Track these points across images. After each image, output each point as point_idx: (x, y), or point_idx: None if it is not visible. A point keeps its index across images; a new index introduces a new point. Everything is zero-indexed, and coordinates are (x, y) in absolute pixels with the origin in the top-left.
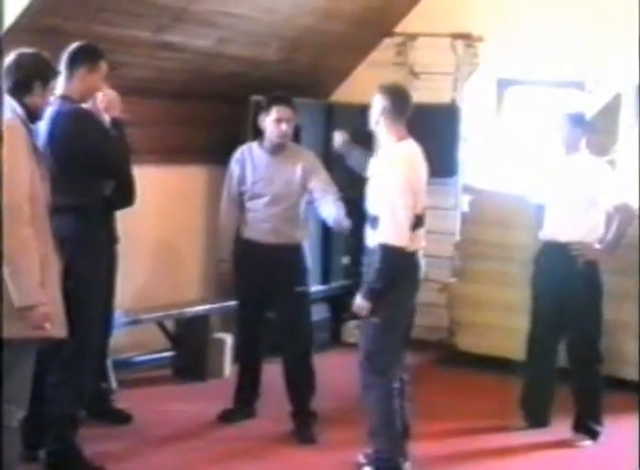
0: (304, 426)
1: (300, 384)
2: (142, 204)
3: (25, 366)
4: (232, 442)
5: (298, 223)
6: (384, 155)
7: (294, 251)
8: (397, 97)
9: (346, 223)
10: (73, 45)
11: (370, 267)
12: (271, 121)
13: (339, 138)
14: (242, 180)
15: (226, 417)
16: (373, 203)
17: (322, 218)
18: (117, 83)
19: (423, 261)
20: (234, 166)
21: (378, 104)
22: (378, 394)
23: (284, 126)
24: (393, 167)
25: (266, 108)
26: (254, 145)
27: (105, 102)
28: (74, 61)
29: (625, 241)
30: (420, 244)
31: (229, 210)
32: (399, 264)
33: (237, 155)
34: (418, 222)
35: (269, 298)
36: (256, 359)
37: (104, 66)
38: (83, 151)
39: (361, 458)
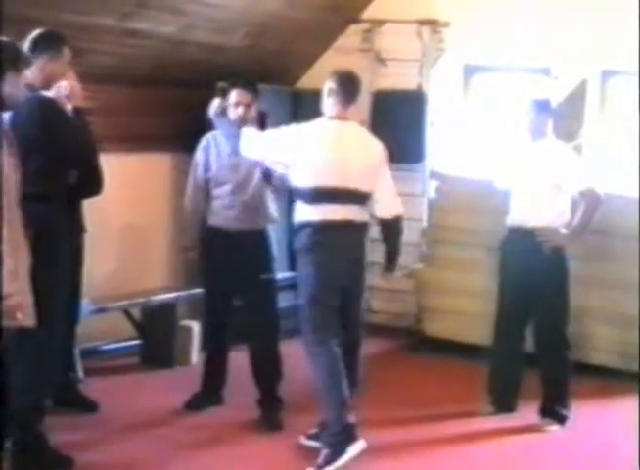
0: (271, 412)
1: (267, 371)
2: (108, 192)
3: None
4: (199, 429)
5: (264, 210)
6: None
7: (259, 237)
8: (344, 81)
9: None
10: (35, 32)
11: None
12: (230, 106)
13: (216, 105)
14: (207, 167)
15: (193, 405)
16: None
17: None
18: (83, 71)
19: (355, 238)
20: (199, 154)
21: (326, 87)
22: (316, 368)
23: (241, 110)
24: (291, 128)
25: (227, 93)
26: (219, 132)
27: (67, 90)
28: (36, 48)
29: (592, 226)
30: (332, 216)
31: (195, 197)
32: (303, 236)
33: (202, 142)
34: (323, 197)
35: (235, 285)
36: (223, 347)
37: (67, 52)
38: (45, 139)
39: (304, 440)
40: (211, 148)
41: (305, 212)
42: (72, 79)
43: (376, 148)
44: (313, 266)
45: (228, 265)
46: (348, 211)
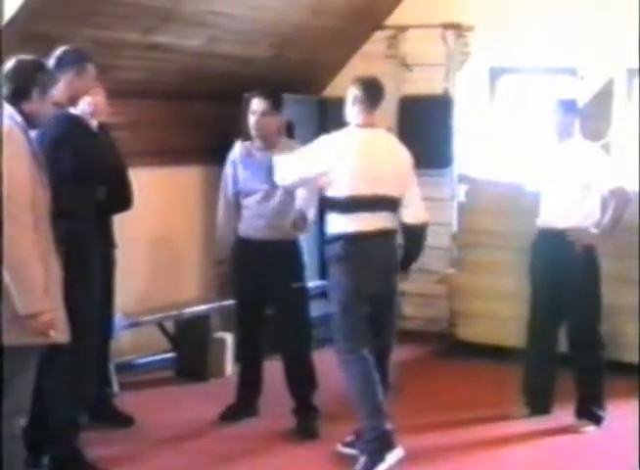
0: (306, 421)
1: (301, 380)
2: (138, 206)
3: (27, 373)
4: (235, 440)
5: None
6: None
7: (289, 246)
8: (368, 87)
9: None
10: (60, 49)
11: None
12: (250, 115)
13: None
14: (236, 179)
15: (229, 416)
16: None
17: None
18: (108, 86)
19: (388, 246)
20: (228, 167)
21: (350, 94)
22: (352, 377)
23: (257, 117)
24: (324, 138)
25: (247, 103)
26: (247, 143)
27: (91, 106)
28: (61, 65)
29: (622, 225)
30: (367, 227)
31: (226, 210)
32: (338, 247)
33: (230, 155)
34: (357, 207)
35: (267, 295)
36: (257, 357)
37: (91, 68)
38: (71, 156)
39: (341, 448)
40: (239, 159)
41: (339, 223)
42: (100, 95)
43: (404, 154)
44: (345, 276)
45: (259, 275)
46: (381, 219)
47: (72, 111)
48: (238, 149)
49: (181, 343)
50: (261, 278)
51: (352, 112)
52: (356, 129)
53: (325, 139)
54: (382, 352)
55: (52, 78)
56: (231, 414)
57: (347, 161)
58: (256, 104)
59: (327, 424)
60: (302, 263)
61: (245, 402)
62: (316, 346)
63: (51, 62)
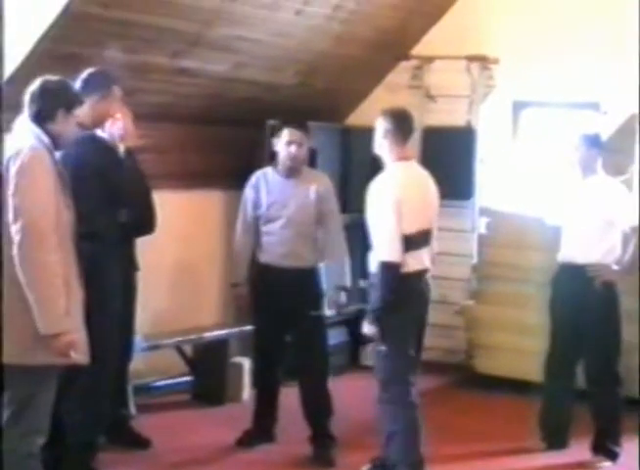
0: (323, 449)
1: (318, 407)
2: (160, 229)
3: (47, 393)
4: (251, 466)
5: (314, 246)
6: (380, 176)
7: (309, 274)
8: (399, 120)
9: (342, 300)
10: (86, 72)
11: (372, 291)
12: (282, 144)
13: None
14: (257, 205)
15: (245, 442)
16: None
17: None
18: (134, 110)
19: (428, 284)
20: (249, 191)
21: (380, 127)
22: (398, 422)
23: (293, 149)
24: (383, 186)
25: (279, 131)
26: (269, 169)
27: (121, 129)
28: (87, 87)
29: None
30: (420, 266)
31: (244, 234)
32: (398, 286)
33: (252, 180)
34: (411, 244)
35: (286, 322)
36: (274, 384)
37: (117, 91)
38: (95, 178)
39: None
40: (261, 185)
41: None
42: (128, 118)
43: (434, 186)
44: (404, 318)
45: (278, 302)
46: (426, 255)
47: (100, 133)
48: (260, 174)
49: (199, 367)
50: (280, 305)
51: (384, 145)
52: (400, 165)
53: (385, 187)
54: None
55: (77, 100)
56: (247, 440)
57: (406, 201)
58: (293, 135)
59: (343, 452)
60: (321, 292)
61: (261, 429)
62: (333, 373)
63: (77, 83)
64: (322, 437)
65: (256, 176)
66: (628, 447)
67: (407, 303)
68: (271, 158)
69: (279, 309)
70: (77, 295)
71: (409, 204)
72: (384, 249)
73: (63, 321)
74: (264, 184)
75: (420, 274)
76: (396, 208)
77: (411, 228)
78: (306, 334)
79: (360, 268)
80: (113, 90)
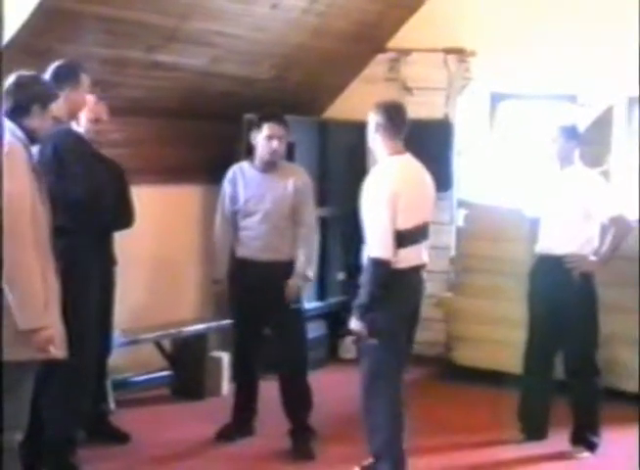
0: (302, 442)
1: (297, 400)
2: (138, 223)
3: (25, 388)
4: (230, 460)
5: (291, 239)
6: (375, 171)
7: (287, 267)
8: (391, 113)
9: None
10: (53, 65)
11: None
12: (262, 139)
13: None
14: (234, 199)
15: (224, 435)
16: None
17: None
18: (111, 104)
19: (421, 279)
20: (226, 186)
21: (372, 121)
22: (384, 417)
23: (275, 143)
24: (379, 181)
25: (258, 125)
26: (246, 164)
27: (92, 112)
28: (57, 80)
29: (620, 253)
30: (412, 261)
31: (223, 230)
32: (389, 281)
33: (229, 174)
34: (406, 239)
35: (264, 315)
36: (253, 377)
37: (85, 79)
38: (70, 174)
39: None
40: (238, 179)
41: (396, 259)
42: (103, 112)
43: (430, 179)
44: (396, 312)
45: (256, 296)
46: (423, 250)
47: (75, 128)
48: (237, 169)
49: (178, 361)
50: (259, 299)
51: (376, 139)
52: (395, 159)
53: (380, 182)
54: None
55: (52, 94)
56: (227, 433)
57: (407, 193)
58: (274, 129)
59: (323, 445)
60: (300, 285)
61: (240, 422)
62: (312, 367)
63: (47, 77)
64: (301, 430)
65: (233, 171)
66: (607, 438)
67: (401, 298)
68: (248, 151)
69: (257, 303)
70: (54, 290)
71: (405, 199)
72: (375, 245)
73: (42, 316)
74: (241, 178)
75: (416, 269)
76: (391, 204)
77: (407, 223)
78: (285, 327)
79: (339, 262)
80: (82, 79)
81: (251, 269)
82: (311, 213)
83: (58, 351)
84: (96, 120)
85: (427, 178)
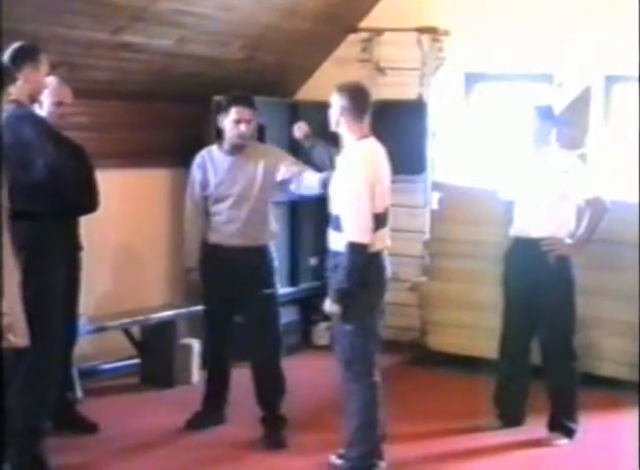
0: (274, 430)
1: (270, 388)
2: (104, 208)
3: None
4: (201, 449)
5: (264, 224)
6: (345, 154)
7: (260, 253)
8: (355, 96)
9: None
10: (10, 47)
11: (335, 271)
12: (230, 122)
13: (299, 131)
14: (204, 185)
15: (195, 424)
16: (335, 203)
17: (308, 195)
18: (77, 86)
19: (388, 261)
20: (195, 172)
21: (336, 104)
22: (360, 401)
23: (243, 127)
24: (355, 166)
25: (225, 108)
26: (214, 148)
27: (55, 94)
28: (16, 61)
29: (597, 235)
30: (383, 243)
31: (194, 216)
32: (366, 265)
33: (197, 159)
34: (380, 222)
35: (236, 302)
36: (225, 364)
37: (45, 60)
38: (37, 159)
39: (334, 459)
40: (208, 164)
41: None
42: (67, 95)
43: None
44: (373, 297)
45: (228, 282)
46: (387, 233)
47: (37, 111)
48: (205, 153)
49: (147, 349)
50: (231, 285)
51: (341, 123)
52: (365, 143)
53: (357, 167)
54: None
55: (11, 76)
56: (197, 422)
57: (380, 177)
58: (244, 113)
59: (295, 433)
60: (273, 270)
61: (211, 410)
62: (285, 353)
63: (5, 59)
64: (273, 418)
65: (201, 155)
66: (585, 424)
67: (377, 281)
68: (217, 135)
69: (230, 289)
70: (13, 276)
71: (380, 182)
72: (355, 230)
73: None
74: (210, 163)
75: (383, 252)
76: (370, 188)
77: (379, 207)
78: (258, 313)
79: (311, 247)
80: (41, 60)
81: (222, 255)
82: (294, 160)
83: (18, 339)
84: (59, 103)
85: (387, 162)
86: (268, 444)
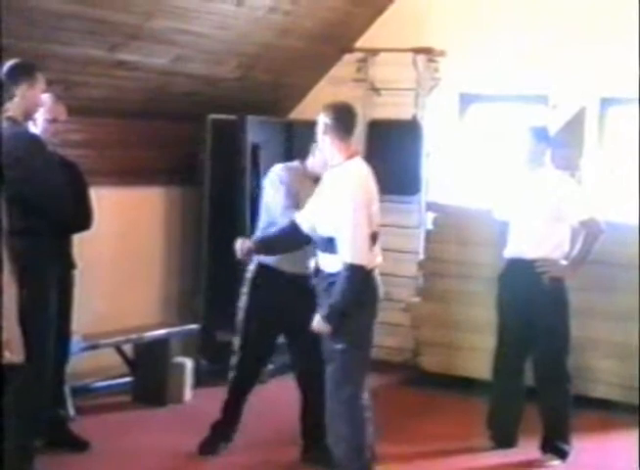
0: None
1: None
2: (99, 226)
3: None
4: (202, 467)
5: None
6: (335, 174)
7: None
8: (340, 115)
9: None
10: (7, 64)
11: (328, 291)
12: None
13: (240, 247)
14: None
15: (206, 450)
16: (328, 224)
17: None
18: (72, 104)
19: (379, 280)
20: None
21: (320, 123)
22: (350, 423)
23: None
24: (350, 187)
25: None
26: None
27: (49, 112)
28: (12, 78)
29: (592, 257)
30: (375, 262)
31: None
32: (363, 286)
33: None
34: (373, 241)
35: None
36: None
37: (41, 78)
38: (28, 177)
39: None
40: None
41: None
42: (62, 113)
43: None
44: (367, 315)
45: (277, 308)
46: (378, 251)
47: (32, 128)
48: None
49: (140, 367)
50: (281, 311)
51: (325, 141)
52: (356, 162)
53: (353, 187)
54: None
55: (8, 93)
56: (209, 447)
57: (373, 196)
58: None
59: (284, 453)
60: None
61: (223, 437)
62: (282, 372)
63: (1, 76)
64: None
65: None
66: (577, 446)
67: (369, 300)
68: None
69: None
70: (10, 292)
71: (374, 201)
72: (353, 251)
73: None
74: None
75: (374, 271)
76: (366, 209)
77: (372, 226)
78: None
79: None
80: (38, 77)
81: (273, 278)
82: (274, 212)
83: (14, 355)
84: (53, 120)
85: (373, 180)
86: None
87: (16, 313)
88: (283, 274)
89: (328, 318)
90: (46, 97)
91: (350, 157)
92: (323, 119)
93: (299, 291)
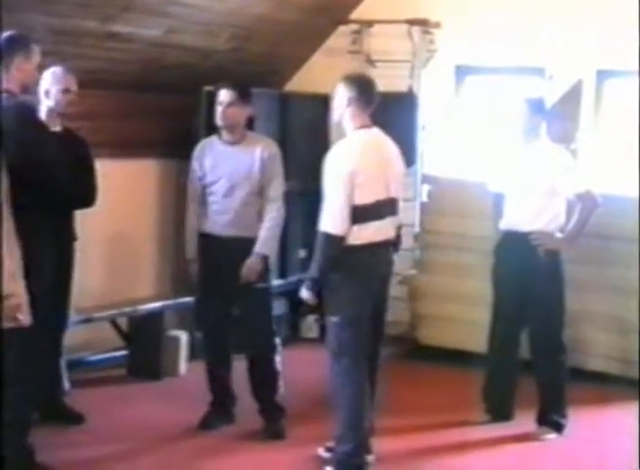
0: (273, 421)
1: (265, 380)
2: None
3: None
4: (189, 440)
5: (258, 216)
6: (338, 143)
7: (253, 244)
8: (364, 87)
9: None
10: (1, 37)
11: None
12: (217, 106)
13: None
14: (202, 175)
15: (206, 424)
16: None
17: None
18: None
19: (388, 255)
20: (194, 163)
21: (343, 95)
22: (347, 394)
23: (223, 109)
24: (336, 156)
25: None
26: (214, 138)
27: (61, 82)
28: (8, 51)
29: (589, 229)
30: (377, 237)
31: (193, 207)
32: (345, 258)
33: (196, 151)
34: (368, 215)
35: (231, 294)
36: (226, 358)
37: (36, 50)
38: (20, 150)
39: (322, 452)
40: (205, 154)
41: (351, 235)
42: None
43: (399, 153)
44: (356, 290)
45: (222, 273)
46: (387, 227)
47: (44, 100)
48: (206, 143)
49: (134, 340)
50: (224, 277)
51: (346, 113)
52: (360, 133)
53: (339, 156)
54: (372, 361)
55: (4, 65)
56: (209, 422)
57: (368, 168)
58: (223, 95)
59: (291, 424)
60: (267, 263)
61: (221, 410)
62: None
63: None
64: (271, 409)
65: (201, 145)
66: (573, 419)
67: (362, 274)
68: (212, 126)
69: (223, 281)
70: (19, 260)
71: (365, 173)
72: (328, 220)
73: (10, 284)
74: (209, 153)
75: (376, 246)
76: (349, 178)
77: (367, 198)
78: (252, 306)
79: (300, 239)
80: (33, 49)
81: (215, 245)
82: (278, 188)
83: (25, 318)
84: (66, 91)
85: (393, 153)
86: (267, 435)
87: (23, 278)
88: (219, 239)
89: (306, 286)
90: (57, 68)
91: (361, 127)
92: (346, 92)
93: (237, 255)
